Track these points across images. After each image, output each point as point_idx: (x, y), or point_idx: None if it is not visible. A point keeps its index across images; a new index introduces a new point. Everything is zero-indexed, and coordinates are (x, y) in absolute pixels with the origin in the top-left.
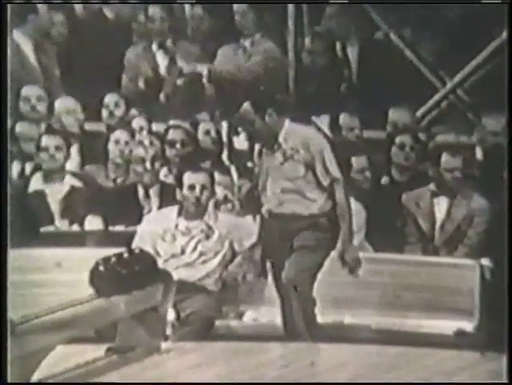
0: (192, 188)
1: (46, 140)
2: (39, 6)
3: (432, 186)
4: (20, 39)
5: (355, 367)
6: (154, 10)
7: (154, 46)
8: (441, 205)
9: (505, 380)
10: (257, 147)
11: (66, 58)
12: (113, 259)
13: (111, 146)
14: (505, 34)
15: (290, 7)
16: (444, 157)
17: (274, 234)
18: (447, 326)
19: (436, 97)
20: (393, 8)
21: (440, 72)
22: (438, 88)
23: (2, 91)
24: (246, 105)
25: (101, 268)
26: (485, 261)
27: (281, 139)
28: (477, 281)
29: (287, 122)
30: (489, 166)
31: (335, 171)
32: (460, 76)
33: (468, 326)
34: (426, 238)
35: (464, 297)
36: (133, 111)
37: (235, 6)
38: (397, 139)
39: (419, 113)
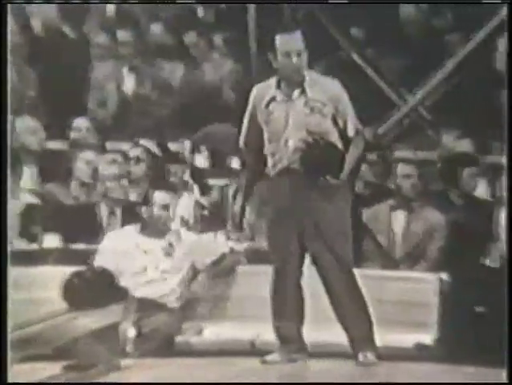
0: (165, 207)
1: None
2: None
3: (391, 201)
4: None
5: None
6: (122, 32)
7: (123, 67)
8: (399, 220)
9: (505, 380)
10: (270, 92)
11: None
12: (88, 273)
13: (78, 165)
14: (467, 49)
15: (251, 25)
16: (400, 166)
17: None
18: (407, 339)
19: (398, 115)
20: (356, 27)
21: (402, 90)
22: (400, 106)
23: (2, 92)
24: None
25: (76, 282)
26: (445, 276)
27: (306, 86)
28: (437, 295)
29: (307, 71)
30: (447, 181)
31: (358, 121)
32: (420, 94)
33: (427, 339)
34: (385, 253)
35: (423, 310)
36: (99, 130)
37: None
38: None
39: (380, 130)
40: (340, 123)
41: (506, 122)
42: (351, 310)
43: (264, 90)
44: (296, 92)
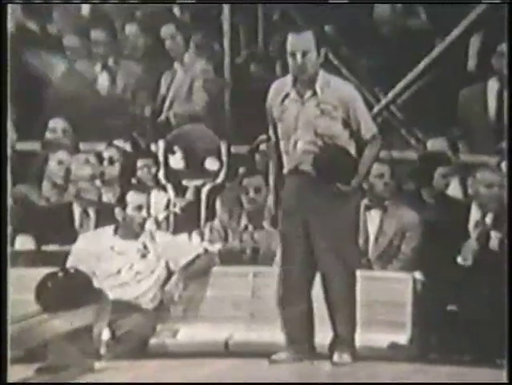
0: (139, 208)
1: None
2: None
3: (365, 200)
4: None
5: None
6: (97, 32)
7: (97, 67)
8: (374, 219)
9: (505, 380)
10: (286, 89)
11: None
12: (61, 274)
13: (51, 165)
14: (439, 48)
15: (226, 26)
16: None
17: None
18: (381, 339)
19: (371, 113)
20: (330, 27)
21: (376, 90)
22: (373, 105)
23: (2, 92)
24: None
25: (49, 284)
26: (418, 275)
27: (318, 88)
28: (410, 295)
29: (321, 72)
30: (421, 180)
31: (373, 125)
32: (392, 93)
33: (401, 338)
34: (360, 253)
35: (398, 310)
36: (74, 131)
37: (162, 31)
38: None
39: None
40: (354, 125)
41: (506, 122)
42: (341, 310)
43: (281, 86)
44: (308, 93)
